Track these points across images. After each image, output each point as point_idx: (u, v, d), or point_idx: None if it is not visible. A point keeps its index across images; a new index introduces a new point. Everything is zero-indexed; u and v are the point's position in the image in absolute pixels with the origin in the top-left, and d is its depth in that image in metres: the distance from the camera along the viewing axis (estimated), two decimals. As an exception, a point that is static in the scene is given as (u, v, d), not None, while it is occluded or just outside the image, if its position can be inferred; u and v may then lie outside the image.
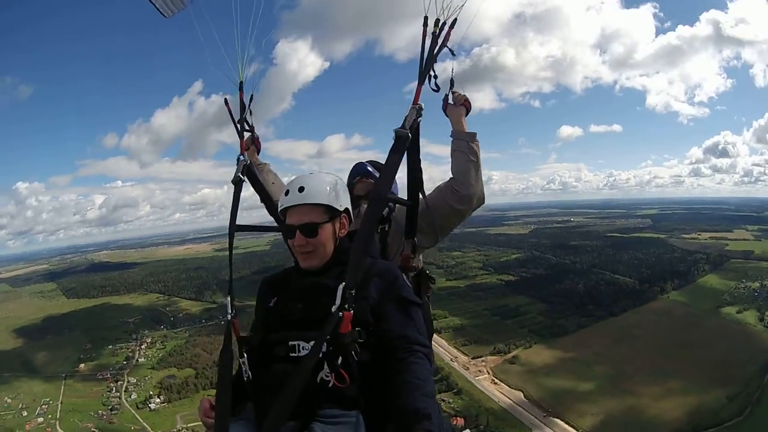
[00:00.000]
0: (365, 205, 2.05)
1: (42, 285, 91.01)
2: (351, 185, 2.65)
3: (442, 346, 58.29)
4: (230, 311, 1.97)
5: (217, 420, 1.65)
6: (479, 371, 54.35)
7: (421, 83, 2.17)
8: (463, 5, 2.24)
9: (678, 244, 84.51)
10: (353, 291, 1.67)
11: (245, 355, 1.82)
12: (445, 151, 2.51)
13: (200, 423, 1.81)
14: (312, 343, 1.63)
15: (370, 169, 2.69)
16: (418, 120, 2.08)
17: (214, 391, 1.80)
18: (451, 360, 56.33)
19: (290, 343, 1.72)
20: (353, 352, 1.63)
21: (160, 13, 3.05)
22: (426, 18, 2.25)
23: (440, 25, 2.26)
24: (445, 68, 2.42)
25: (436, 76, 2.31)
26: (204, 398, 1.85)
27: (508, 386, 50.83)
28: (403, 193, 2.29)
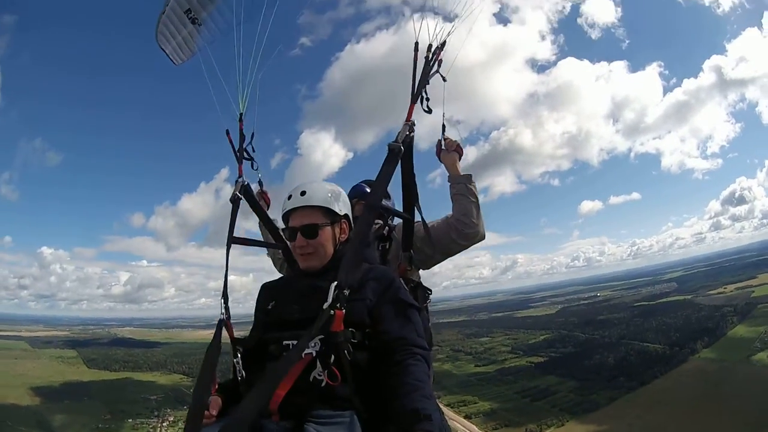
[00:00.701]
0: None
1: (62, 351, 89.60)
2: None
3: None
4: (223, 311, 2.05)
5: (188, 420, 1.61)
6: (511, 454, 53.64)
7: (413, 102, 2.32)
8: (451, 31, 2.46)
9: (704, 302, 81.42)
10: (346, 291, 1.69)
11: (239, 355, 1.87)
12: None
13: None
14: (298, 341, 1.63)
15: (368, 190, 2.77)
16: (411, 135, 2.20)
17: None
18: (483, 444, 56.23)
19: (285, 342, 1.77)
20: (346, 352, 1.65)
21: (171, 60, 3.24)
22: (417, 44, 2.43)
23: (432, 50, 2.43)
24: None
25: (428, 99, 2.42)
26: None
27: (542, 465, 49.95)
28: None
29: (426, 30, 2.46)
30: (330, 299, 1.68)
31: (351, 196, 2.91)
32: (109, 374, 78.10)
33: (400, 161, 2.19)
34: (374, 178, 2.86)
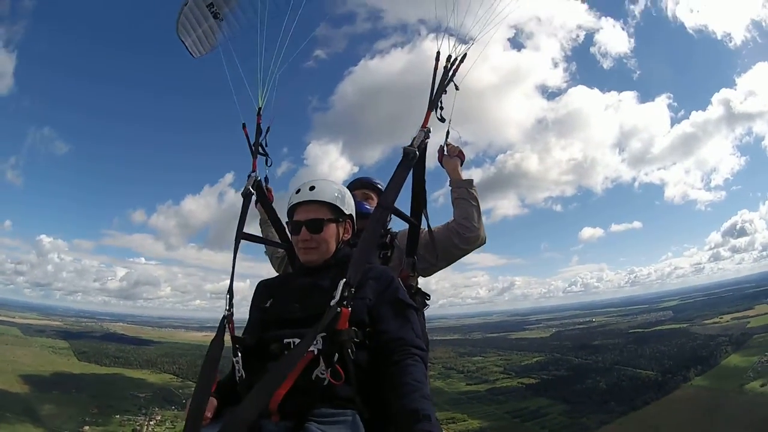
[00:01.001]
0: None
1: (54, 341, 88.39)
2: None
3: (459, 450, 57.86)
4: (228, 308, 1.99)
5: (188, 420, 1.59)
6: (497, 473, 52.68)
7: (430, 110, 2.35)
8: (472, 45, 2.51)
9: (699, 331, 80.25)
10: (353, 289, 1.70)
11: (239, 354, 1.82)
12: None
13: None
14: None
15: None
16: (426, 141, 2.22)
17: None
18: (470, 462, 55.33)
19: (286, 340, 1.73)
20: (349, 350, 1.64)
21: (189, 53, 3.21)
22: (438, 53, 2.48)
23: (451, 60, 2.49)
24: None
25: (442, 108, 2.45)
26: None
27: (528, 485, 49.07)
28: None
29: (447, 42, 2.53)
30: (338, 296, 1.67)
31: (355, 184, 2.97)
32: (99, 368, 77.26)
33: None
34: (362, 177, 3.05)
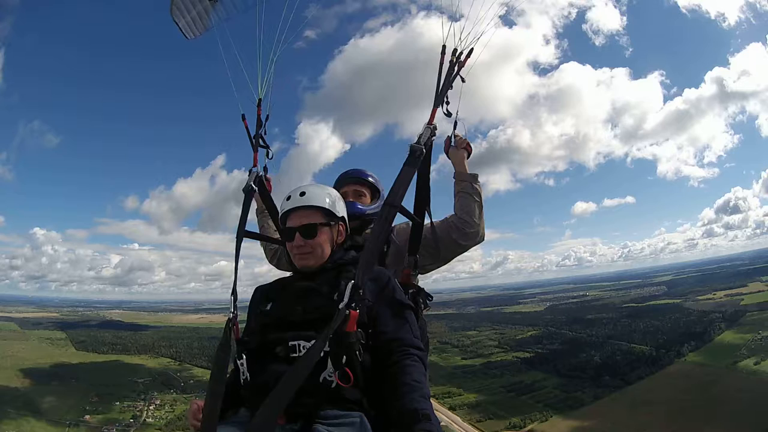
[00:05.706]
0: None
1: (51, 332, 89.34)
2: None
3: (456, 423, 58.43)
4: (232, 310, 1.99)
5: (204, 422, 1.58)
6: (494, 447, 53.42)
7: (436, 106, 2.31)
8: (479, 37, 2.43)
9: (693, 306, 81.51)
10: (362, 290, 1.69)
11: (244, 356, 1.79)
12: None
13: None
14: (313, 342, 1.62)
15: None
16: (432, 139, 2.20)
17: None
18: (466, 436, 56.01)
19: (291, 343, 1.71)
20: (357, 352, 1.63)
21: (183, 34, 3.17)
22: (444, 47, 2.44)
23: (457, 54, 2.45)
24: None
25: (448, 102, 2.43)
26: (193, 401, 1.81)
27: (524, 459, 49.82)
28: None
29: (451, 34, 2.45)
30: (346, 299, 1.66)
31: (345, 180, 2.78)
32: (97, 356, 77.97)
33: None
34: (351, 170, 2.88)
